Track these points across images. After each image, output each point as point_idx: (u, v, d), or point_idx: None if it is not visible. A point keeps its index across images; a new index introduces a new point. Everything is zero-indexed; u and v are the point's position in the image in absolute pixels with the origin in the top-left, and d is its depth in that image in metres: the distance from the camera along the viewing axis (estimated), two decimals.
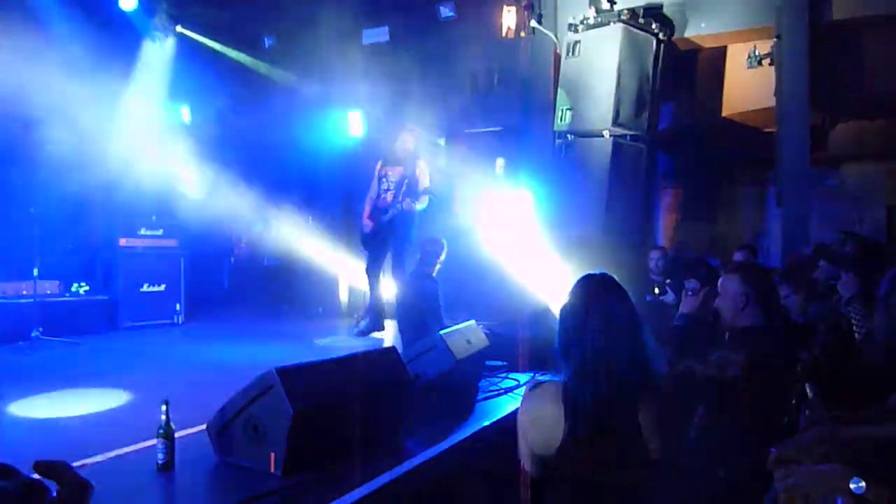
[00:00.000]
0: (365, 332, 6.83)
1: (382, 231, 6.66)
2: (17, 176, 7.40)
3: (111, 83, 7.12)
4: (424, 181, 6.66)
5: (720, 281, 3.17)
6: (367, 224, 6.78)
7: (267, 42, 9.16)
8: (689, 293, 3.71)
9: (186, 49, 8.82)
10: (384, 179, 6.75)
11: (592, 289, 2.18)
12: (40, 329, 6.05)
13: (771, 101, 6.61)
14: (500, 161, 7.99)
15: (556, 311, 5.33)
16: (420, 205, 6.61)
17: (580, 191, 6.55)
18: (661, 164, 8.47)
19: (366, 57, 8.67)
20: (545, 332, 5.43)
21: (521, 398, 2.26)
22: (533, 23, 7.47)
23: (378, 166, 6.89)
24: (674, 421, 2.12)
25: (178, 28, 8.59)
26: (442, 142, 8.92)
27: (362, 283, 7.32)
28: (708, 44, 7.36)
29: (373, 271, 6.89)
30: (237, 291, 9.42)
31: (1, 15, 7.38)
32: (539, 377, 4.63)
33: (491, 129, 8.51)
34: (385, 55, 8.35)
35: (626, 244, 6.45)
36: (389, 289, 8.04)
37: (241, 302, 9.10)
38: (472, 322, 4.56)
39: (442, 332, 3.96)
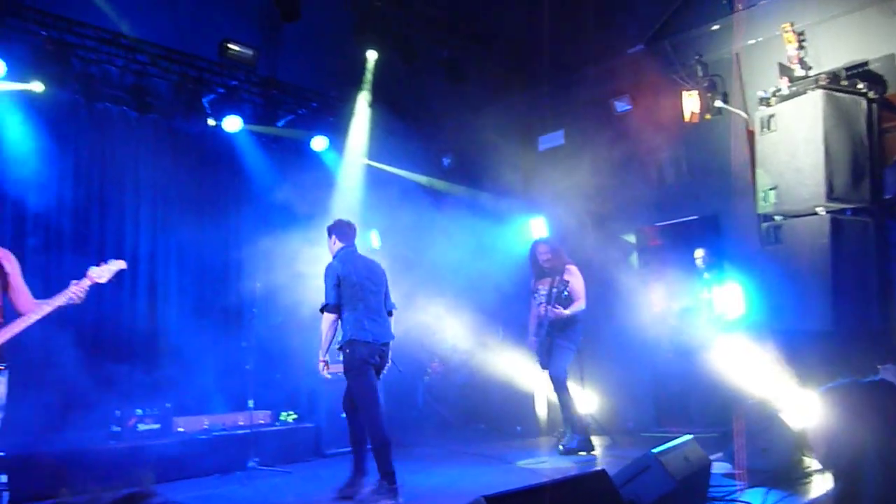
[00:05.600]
0: (570, 451, 6.75)
1: (545, 343, 6.93)
2: (228, 314, 8.42)
3: (309, 220, 7.96)
4: (574, 284, 6.85)
5: None
6: (532, 341, 7.17)
7: (445, 161, 9.87)
8: None
9: (372, 177, 9.70)
10: (536, 295, 7.16)
11: (874, 401, 2.05)
12: (256, 459, 6.68)
13: None
14: (700, 252, 7.74)
15: (784, 416, 4.95)
16: (571, 310, 6.78)
17: (799, 278, 6.13)
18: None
19: (544, 162, 9.02)
20: (773, 442, 5.05)
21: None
22: (718, 102, 7.40)
23: (532, 284, 7.29)
24: None
25: (364, 160, 9.52)
26: (632, 238, 8.84)
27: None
28: None
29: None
30: (432, 411, 9.69)
31: (199, 161, 8.66)
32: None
33: (685, 218, 8.32)
34: (563, 157, 8.62)
35: (862, 334, 5.87)
36: (589, 402, 7.93)
37: (436, 422, 9.34)
38: (690, 437, 4.36)
39: (655, 450, 3.83)
